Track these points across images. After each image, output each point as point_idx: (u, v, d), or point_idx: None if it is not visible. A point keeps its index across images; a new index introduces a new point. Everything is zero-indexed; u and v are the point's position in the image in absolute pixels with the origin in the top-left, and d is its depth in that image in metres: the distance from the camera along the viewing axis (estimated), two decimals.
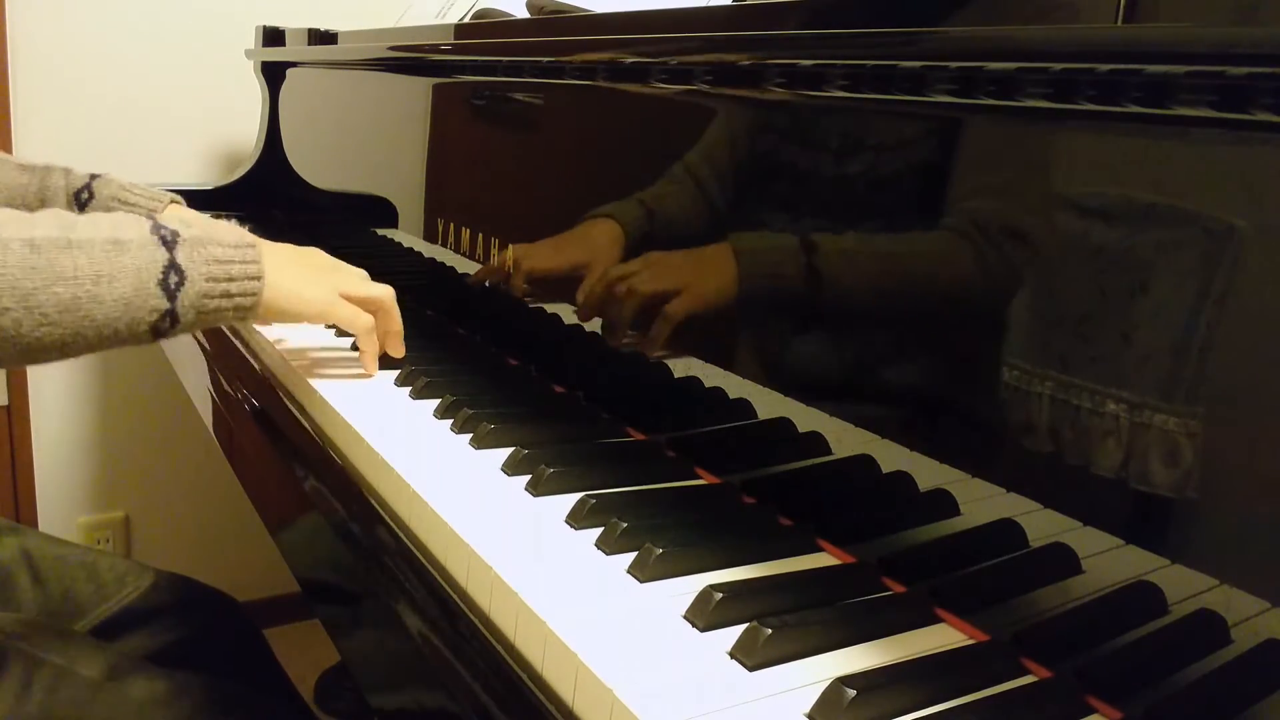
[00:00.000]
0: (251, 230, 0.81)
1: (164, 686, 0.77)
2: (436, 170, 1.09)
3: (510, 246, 0.91)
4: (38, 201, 0.92)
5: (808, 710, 0.42)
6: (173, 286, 0.64)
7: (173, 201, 0.97)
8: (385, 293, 0.81)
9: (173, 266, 0.65)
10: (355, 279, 0.81)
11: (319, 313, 0.76)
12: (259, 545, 1.83)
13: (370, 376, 0.82)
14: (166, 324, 0.65)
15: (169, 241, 0.65)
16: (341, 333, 0.96)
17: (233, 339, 1.00)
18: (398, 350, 0.84)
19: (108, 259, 0.62)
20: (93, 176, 0.95)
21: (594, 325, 0.80)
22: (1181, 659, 0.43)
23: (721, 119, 0.69)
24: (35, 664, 0.73)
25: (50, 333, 0.60)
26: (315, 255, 0.80)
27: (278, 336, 0.94)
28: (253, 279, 0.69)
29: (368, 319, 0.79)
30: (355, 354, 0.85)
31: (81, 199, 0.93)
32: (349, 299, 0.78)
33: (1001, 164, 0.51)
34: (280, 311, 0.73)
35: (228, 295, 0.68)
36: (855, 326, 0.59)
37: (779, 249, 0.62)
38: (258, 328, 0.96)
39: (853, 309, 0.59)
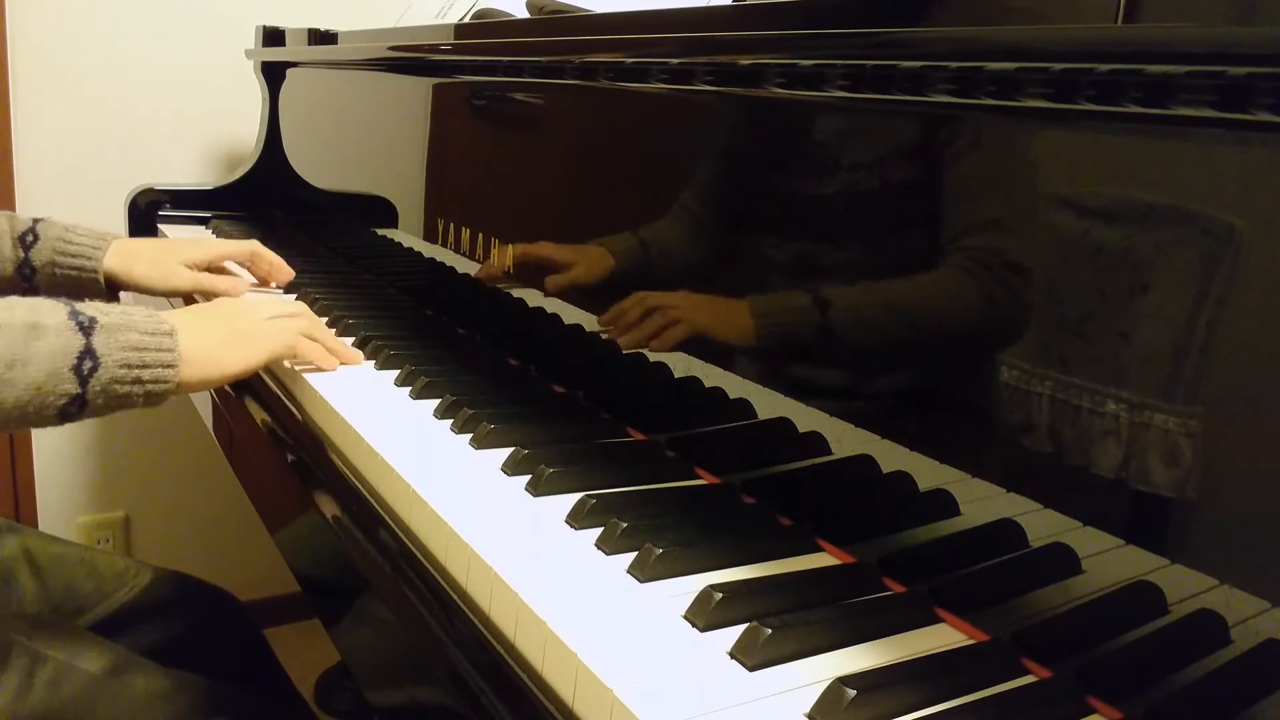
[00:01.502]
0: (252, 230, 0.81)
1: (165, 683, 0.77)
2: (436, 170, 1.09)
3: (509, 252, 0.91)
4: None
5: (808, 710, 0.42)
6: (85, 372, 0.66)
7: (115, 238, 1.00)
8: (302, 311, 0.85)
9: (87, 353, 0.66)
10: (273, 307, 0.84)
11: (242, 372, 0.78)
12: (259, 545, 1.83)
13: (332, 369, 0.84)
14: (74, 408, 0.67)
15: (86, 328, 0.67)
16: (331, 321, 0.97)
17: None
18: (356, 358, 0.86)
19: (24, 344, 0.64)
20: (36, 220, 0.98)
21: (594, 325, 0.80)
22: (1181, 659, 0.43)
23: (720, 121, 0.69)
24: (37, 659, 0.73)
25: None
26: (243, 313, 0.82)
27: None
28: (167, 366, 0.71)
29: (290, 342, 0.81)
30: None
31: (27, 241, 0.96)
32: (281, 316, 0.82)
33: (1001, 164, 0.51)
34: (202, 383, 0.76)
35: (139, 381, 0.69)
36: (856, 327, 0.59)
37: (795, 317, 0.62)
38: None
39: (853, 310, 0.59)
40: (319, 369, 0.83)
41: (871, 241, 0.58)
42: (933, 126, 0.54)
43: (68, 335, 0.66)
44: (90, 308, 0.69)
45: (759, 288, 0.65)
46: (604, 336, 0.78)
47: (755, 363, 0.65)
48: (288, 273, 1.10)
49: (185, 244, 1.05)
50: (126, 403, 0.70)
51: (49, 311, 0.67)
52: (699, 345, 0.69)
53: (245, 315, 0.81)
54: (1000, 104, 0.49)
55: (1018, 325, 0.49)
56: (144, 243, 1.03)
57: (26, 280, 0.96)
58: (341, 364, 0.85)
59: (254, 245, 1.07)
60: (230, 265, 1.09)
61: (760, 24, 0.61)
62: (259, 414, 0.87)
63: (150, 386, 0.70)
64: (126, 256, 0.98)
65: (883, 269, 0.57)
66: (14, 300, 0.67)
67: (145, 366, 0.70)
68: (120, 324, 0.69)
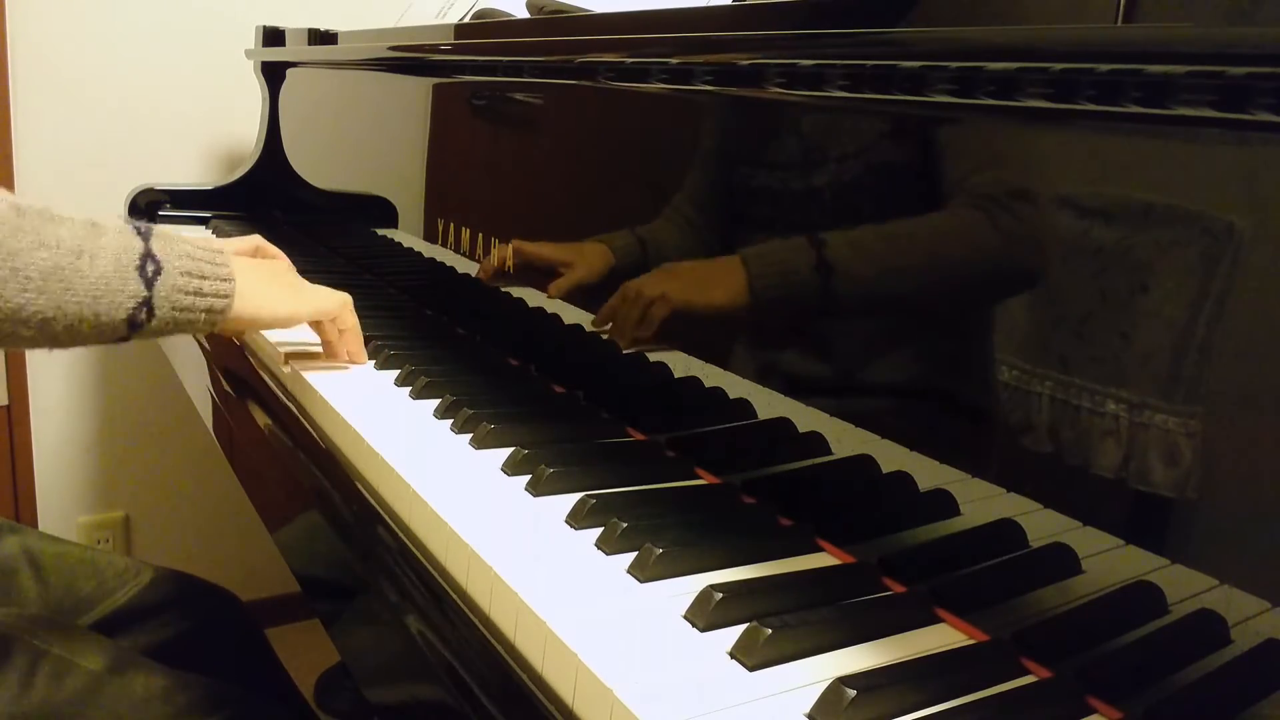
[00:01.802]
0: (252, 231, 0.81)
1: (165, 681, 0.77)
2: (436, 170, 1.09)
3: (509, 252, 0.91)
4: None
5: (808, 710, 0.42)
6: (150, 274, 0.65)
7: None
8: (345, 302, 0.84)
9: (149, 256, 0.65)
10: (319, 289, 0.83)
11: (288, 316, 0.78)
12: (259, 545, 1.83)
13: (345, 366, 0.85)
14: (143, 315, 0.65)
15: (143, 233, 0.66)
16: None
17: (232, 339, 1.00)
18: (360, 355, 0.86)
19: (89, 236, 0.62)
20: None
21: (594, 325, 0.80)
22: (1181, 659, 0.43)
23: (720, 121, 0.69)
24: (38, 656, 0.73)
25: (32, 301, 0.60)
26: (277, 265, 0.83)
27: (280, 338, 0.94)
28: (224, 280, 0.70)
29: (336, 306, 0.82)
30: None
31: None
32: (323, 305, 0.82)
33: (1001, 164, 0.51)
34: (251, 318, 0.74)
35: (200, 294, 0.68)
36: (856, 328, 0.59)
37: (788, 257, 0.62)
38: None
39: (854, 310, 0.59)
40: (332, 356, 0.85)
41: (868, 240, 0.58)
42: (932, 126, 0.54)
43: (128, 236, 0.65)
44: (142, 223, 0.69)
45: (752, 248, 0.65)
46: (604, 337, 0.78)
47: (744, 324, 0.65)
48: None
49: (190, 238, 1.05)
50: (189, 318, 0.68)
51: (104, 217, 0.65)
52: (695, 330, 0.69)
53: (293, 273, 0.82)
54: (1000, 104, 0.49)
55: (1018, 325, 0.49)
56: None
57: None
58: (359, 360, 0.86)
59: (256, 240, 1.07)
60: None
61: (760, 24, 0.61)
62: (259, 414, 0.87)
63: (211, 300, 0.69)
64: None
65: (880, 270, 0.57)
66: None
67: (204, 278, 0.68)
68: (174, 236, 0.68)
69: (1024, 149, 0.50)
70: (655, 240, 0.74)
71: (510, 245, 0.90)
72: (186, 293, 0.67)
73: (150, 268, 0.65)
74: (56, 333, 0.62)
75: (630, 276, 0.76)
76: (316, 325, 0.84)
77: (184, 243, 0.69)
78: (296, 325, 0.80)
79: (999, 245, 0.51)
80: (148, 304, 0.65)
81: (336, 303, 0.83)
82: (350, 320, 0.85)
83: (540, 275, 0.85)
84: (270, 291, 0.76)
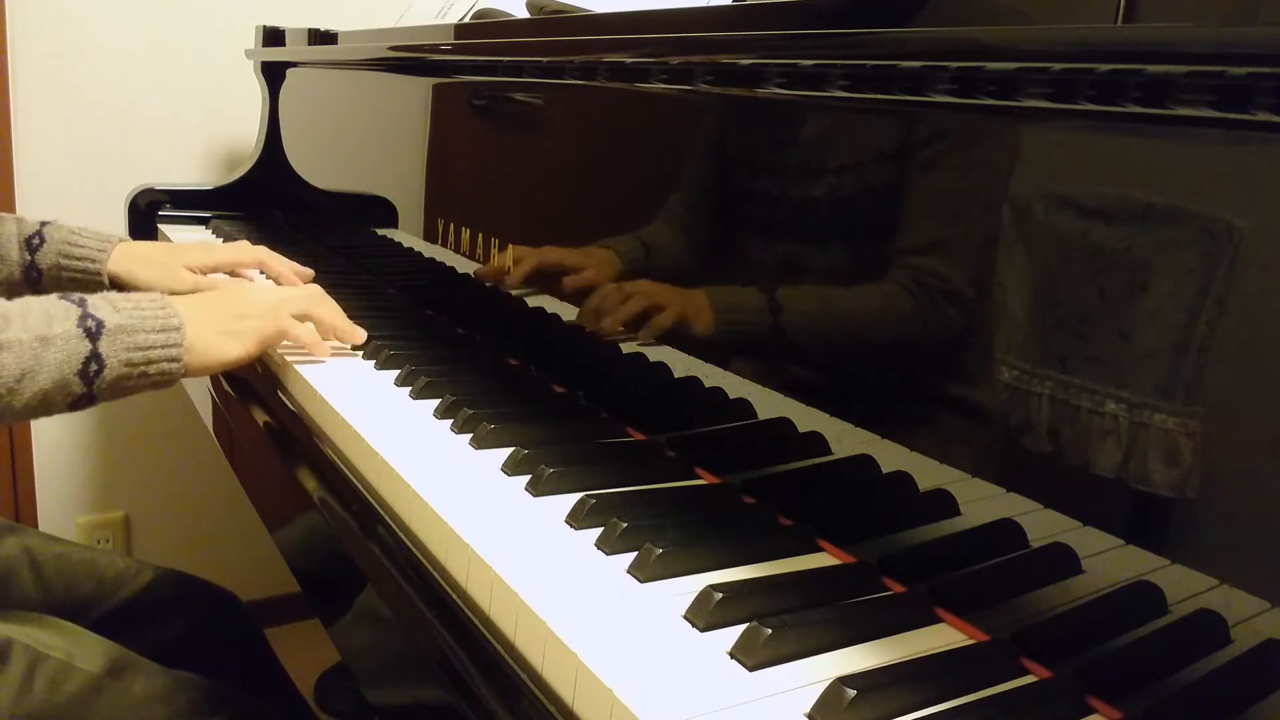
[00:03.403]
0: (252, 230, 0.81)
1: (165, 682, 0.77)
2: (436, 170, 1.09)
3: (509, 252, 0.91)
4: None
5: (808, 710, 0.42)
6: (91, 374, 0.70)
7: (120, 240, 1.01)
8: (308, 297, 0.87)
9: (94, 357, 0.70)
10: (278, 296, 0.85)
11: (243, 357, 0.80)
12: (259, 545, 1.83)
13: (321, 356, 0.86)
14: (83, 403, 0.71)
15: (93, 334, 0.70)
16: None
17: None
18: (350, 334, 0.89)
19: (34, 357, 0.67)
20: (43, 224, 1.00)
21: (594, 325, 0.80)
22: (1181, 659, 0.43)
23: (720, 120, 0.69)
24: (38, 658, 0.73)
25: None
26: (233, 298, 0.83)
27: None
28: (172, 361, 0.74)
29: (281, 328, 0.83)
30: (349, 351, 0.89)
31: (33, 244, 0.98)
32: (295, 317, 0.84)
33: (1001, 164, 0.51)
34: (207, 371, 0.79)
35: (145, 375, 0.73)
36: (855, 327, 0.59)
37: (751, 301, 0.64)
38: None
39: (853, 309, 0.59)
40: (310, 354, 0.85)
41: (867, 239, 0.58)
42: (932, 126, 0.54)
43: (75, 343, 0.69)
44: (103, 305, 0.72)
45: (748, 276, 0.65)
46: (587, 328, 0.78)
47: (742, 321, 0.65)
48: (305, 273, 1.09)
49: (190, 248, 1.05)
50: (132, 392, 0.73)
51: (60, 318, 0.69)
52: (690, 340, 0.70)
53: (248, 302, 0.83)
54: (1000, 104, 0.49)
55: (1018, 325, 0.49)
56: (148, 246, 1.04)
57: (33, 284, 0.98)
58: (348, 341, 0.88)
59: (260, 253, 1.07)
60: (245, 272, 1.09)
61: (760, 24, 0.61)
62: (259, 414, 0.87)
63: (155, 378, 0.74)
64: (130, 260, 0.99)
65: (878, 267, 0.57)
66: (30, 303, 0.70)
67: (151, 362, 0.73)
68: (128, 324, 0.72)
69: (1024, 149, 0.50)
70: (656, 240, 0.74)
71: (513, 253, 0.90)
72: (129, 378, 0.72)
73: (93, 369, 0.70)
74: (4, 421, 0.69)
75: (635, 278, 0.76)
76: (298, 340, 0.84)
77: (135, 332, 0.72)
78: (260, 354, 0.82)
79: (994, 245, 0.51)
80: (87, 395, 0.71)
81: (276, 322, 0.82)
82: (319, 313, 0.86)
83: (552, 278, 0.85)
84: (221, 343, 0.78)
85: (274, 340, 0.83)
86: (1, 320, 0.67)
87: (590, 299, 0.79)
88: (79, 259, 0.98)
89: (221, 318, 0.79)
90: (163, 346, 0.73)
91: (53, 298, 0.71)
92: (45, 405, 0.69)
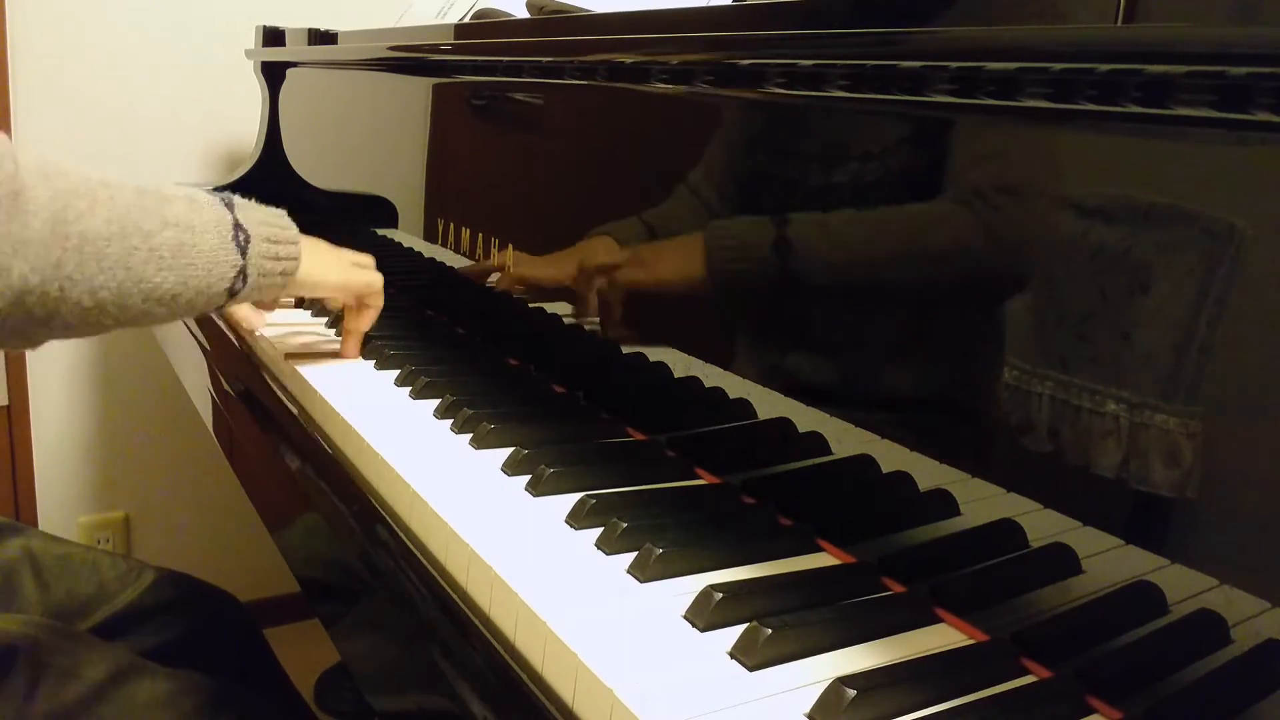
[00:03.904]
0: None
1: (168, 687, 0.77)
2: (436, 170, 1.09)
3: (509, 252, 0.91)
4: None
5: (808, 710, 0.42)
6: (242, 242, 0.70)
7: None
8: (378, 280, 0.88)
9: (238, 226, 0.70)
10: (359, 256, 0.87)
11: (340, 284, 0.82)
12: (259, 545, 1.83)
13: (351, 358, 0.87)
14: (240, 283, 0.71)
15: (227, 203, 0.71)
16: (318, 312, 1.03)
17: (232, 339, 1.00)
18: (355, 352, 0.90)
19: (194, 211, 0.66)
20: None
21: (594, 325, 0.80)
22: (1181, 659, 0.43)
23: (720, 121, 0.69)
24: (40, 667, 0.73)
25: (165, 279, 0.64)
26: (324, 244, 0.86)
27: (276, 335, 0.94)
28: (293, 243, 0.75)
29: (377, 283, 0.85)
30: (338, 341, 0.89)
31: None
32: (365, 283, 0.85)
33: (1001, 164, 0.51)
34: (314, 283, 0.79)
35: (277, 258, 0.73)
36: (855, 327, 0.59)
37: (764, 248, 0.63)
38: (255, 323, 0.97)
39: (853, 309, 0.59)
40: (349, 348, 0.87)
41: (866, 239, 0.58)
42: (932, 126, 0.54)
43: (218, 209, 0.69)
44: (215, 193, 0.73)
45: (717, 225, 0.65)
46: (568, 314, 0.78)
47: (741, 321, 0.65)
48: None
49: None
50: (269, 282, 0.74)
51: (185, 188, 0.69)
52: (681, 313, 0.69)
53: (349, 259, 0.86)
54: (1000, 104, 0.49)
55: (1018, 325, 0.49)
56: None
57: None
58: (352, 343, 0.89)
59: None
60: None
61: (760, 24, 0.61)
62: (259, 414, 0.87)
63: (285, 264, 0.74)
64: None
65: (878, 270, 0.57)
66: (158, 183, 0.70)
67: (279, 243, 0.74)
68: (248, 204, 0.73)
69: (1024, 149, 0.50)
70: (666, 232, 0.74)
71: (514, 273, 0.90)
72: (268, 258, 0.72)
73: (242, 236, 0.69)
74: (178, 309, 0.67)
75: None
76: (346, 304, 0.86)
77: (257, 209, 0.73)
78: (345, 295, 0.84)
79: (995, 246, 0.51)
80: (243, 272, 0.70)
81: (378, 283, 0.85)
82: (378, 304, 0.88)
83: (546, 293, 0.86)
84: (328, 260, 0.80)
85: (365, 294, 0.84)
86: (155, 188, 0.67)
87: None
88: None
89: (326, 248, 0.82)
90: (280, 228, 0.74)
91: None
92: (217, 276, 0.67)
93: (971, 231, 0.52)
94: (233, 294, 0.70)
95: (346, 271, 0.83)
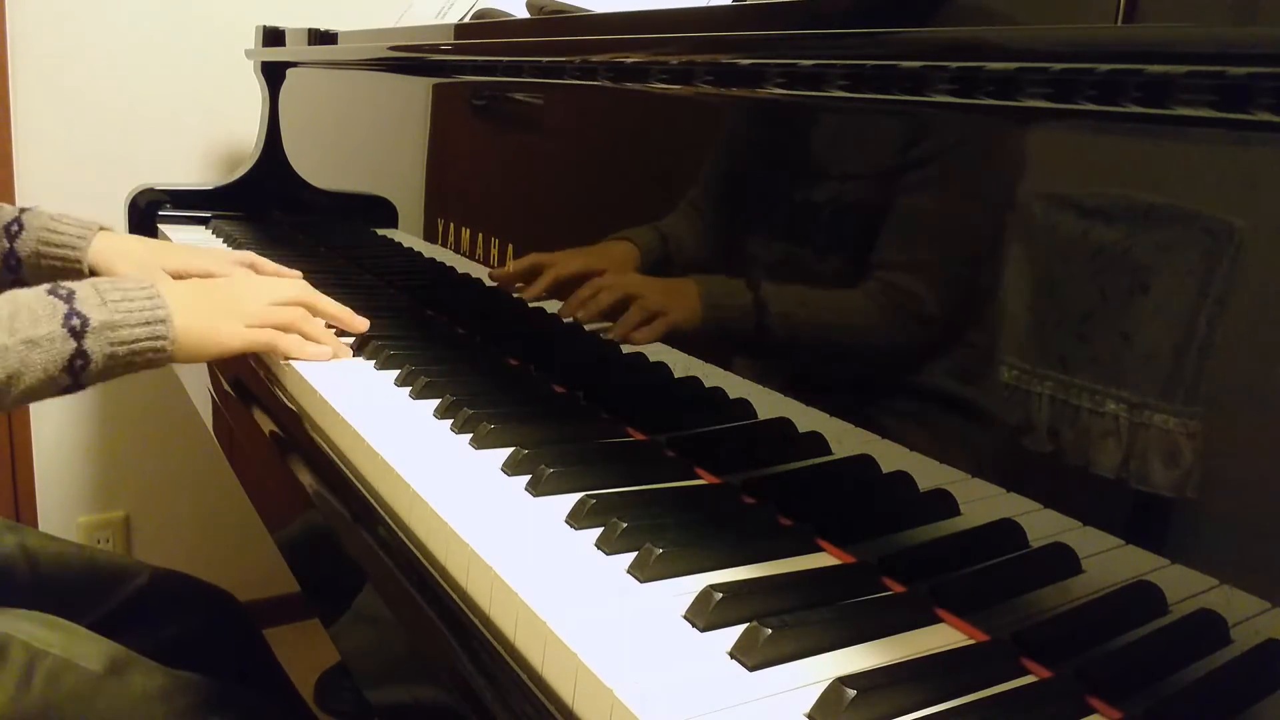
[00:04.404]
0: (252, 230, 0.81)
1: (164, 681, 0.77)
2: (436, 170, 1.09)
3: (532, 257, 0.91)
4: None
5: (808, 710, 0.42)
6: (77, 369, 0.72)
7: (101, 229, 1.00)
8: (297, 292, 0.88)
9: (79, 354, 0.72)
10: (267, 291, 0.86)
11: (238, 349, 0.82)
12: (259, 545, 1.83)
13: (328, 358, 0.86)
14: (73, 389, 0.74)
15: (78, 332, 0.72)
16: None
17: None
18: (353, 323, 0.90)
19: (20, 359, 0.69)
20: (22, 210, 0.99)
21: (594, 325, 0.80)
22: (1181, 659, 0.43)
23: (720, 121, 0.69)
24: (36, 656, 0.73)
25: None
26: (222, 292, 0.85)
27: None
28: (158, 352, 0.76)
29: (286, 336, 0.84)
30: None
31: (12, 231, 0.98)
32: (276, 304, 0.85)
33: (1001, 164, 0.51)
34: (198, 359, 0.80)
35: (131, 365, 0.75)
36: (855, 327, 0.59)
37: (737, 291, 0.64)
38: None
39: (852, 309, 0.59)
40: (319, 345, 0.85)
41: (865, 236, 0.58)
42: (931, 126, 0.54)
43: (60, 344, 0.71)
44: (91, 297, 0.73)
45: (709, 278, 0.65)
46: (572, 317, 0.78)
47: (741, 320, 0.65)
48: (292, 274, 1.09)
49: (176, 250, 1.04)
50: (119, 375, 0.76)
51: (45, 319, 0.71)
52: (685, 337, 0.70)
53: (238, 295, 0.84)
54: (1000, 104, 0.49)
55: (1018, 325, 0.49)
56: (132, 241, 1.04)
57: (13, 271, 0.98)
58: (350, 329, 0.89)
59: (248, 256, 1.07)
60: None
61: (760, 24, 0.61)
62: (259, 414, 0.87)
63: (141, 367, 0.76)
64: (111, 252, 0.99)
65: (878, 264, 0.57)
66: (18, 301, 0.71)
67: (136, 354, 0.75)
68: (114, 320, 0.73)
69: (1024, 149, 0.50)
70: (675, 236, 0.74)
71: (532, 260, 0.89)
72: (116, 369, 0.75)
73: (79, 364, 0.72)
74: None
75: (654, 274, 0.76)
76: (272, 346, 0.84)
77: (121, 327, 0.74)
78: (254, 349, 0.83)
79: (994, 246, 0.51)
80: (76, 384, 0.73)
81: (264, 336, 0.83)
82: (314, 302, 0.87)
83: (568, 287, 0.85)
84: (209, 337, 0.79)
85: (260, 348, 0.84)
86: None
87: (577, 293, 0.80)
88: (58, 245, 0.98)
89: (211, 311, 0.80)
90: (149, 339, 0.75)
91: (39, 292, 0.72)
92: (34, 397, 0.72)
93: (970, 231, 0.52)
94: (65, 394, 0.74)
95: (237, 337, 0.81)
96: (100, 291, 0.73)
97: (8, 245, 0.97)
